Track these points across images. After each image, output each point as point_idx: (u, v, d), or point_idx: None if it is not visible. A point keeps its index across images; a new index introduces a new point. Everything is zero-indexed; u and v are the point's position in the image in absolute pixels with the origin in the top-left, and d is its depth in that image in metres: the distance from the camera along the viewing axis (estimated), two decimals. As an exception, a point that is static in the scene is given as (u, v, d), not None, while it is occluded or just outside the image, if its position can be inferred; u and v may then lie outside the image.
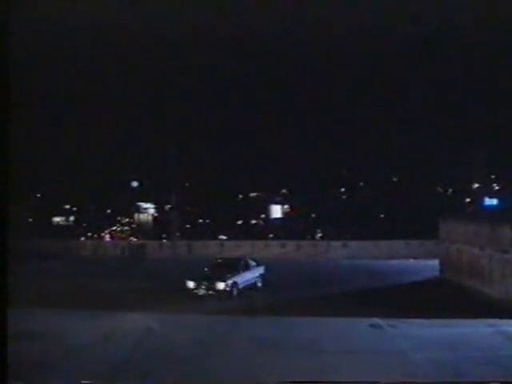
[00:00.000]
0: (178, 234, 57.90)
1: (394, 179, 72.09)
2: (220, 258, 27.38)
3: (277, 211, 75.05)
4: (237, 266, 24.32)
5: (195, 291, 22.49)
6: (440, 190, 70.98)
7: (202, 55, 59.91)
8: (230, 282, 22.69)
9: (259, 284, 25.29)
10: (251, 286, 24.57)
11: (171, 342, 15.68)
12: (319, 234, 66.20)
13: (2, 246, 4.72)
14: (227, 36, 52.22)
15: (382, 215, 68.02)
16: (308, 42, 56.12)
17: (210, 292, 22.38)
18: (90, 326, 17.70)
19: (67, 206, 75.23)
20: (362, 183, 73.86)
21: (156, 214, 76.67)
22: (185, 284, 22.98)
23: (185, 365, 13.60)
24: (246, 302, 22.49)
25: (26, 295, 18.76)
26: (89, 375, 12.13)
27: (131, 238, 68.82)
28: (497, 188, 65.58)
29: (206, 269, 24.34)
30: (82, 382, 11.31)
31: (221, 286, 22.44)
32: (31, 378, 11.51)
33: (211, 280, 22.65)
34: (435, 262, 29.55)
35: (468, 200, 65.06)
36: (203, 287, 22.48)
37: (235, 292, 22.93)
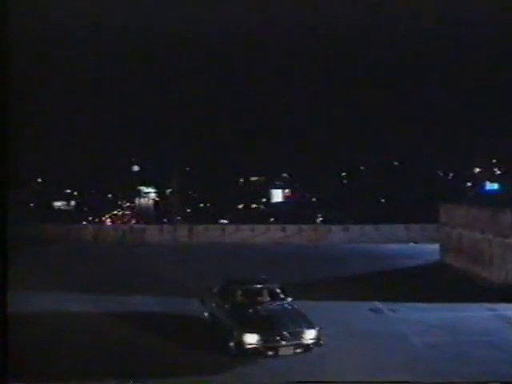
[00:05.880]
0: (178, 218, 58.07)
1: (395, 163, 72.00)
2: (238, 281, 15.94)
3: (278, 195, 75.13)
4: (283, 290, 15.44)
5: (269, 352, 12.78)
6: (441, 174, 70.91)
7: (201, 45, 59.60)
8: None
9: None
10: None
11: None
12: (320, 218, 66.20)
13: (1, 233, 4.70)
14: (225, 25, 51.95)
15: (383, 199, 68.04)
16: (307, 29, 55.79)
17: (299, 350, 13.09)
18: None
19: (68, 191, 75.20)
20: (362, 167, 73.76)
21: (157, 199, 76.73)
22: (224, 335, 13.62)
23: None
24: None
25: None
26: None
27: (132, 222, 69.02)
28: (498, 172, 65.56)
29: (226, 307, 14.41)
30: None
31: (311, 334, 13.31)
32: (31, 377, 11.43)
33: (289, 327, 13.26)
34: (436, 247, 29.51)
35: (469, 184, 65.05)
36: (286, 341, 12.93)
37: None
